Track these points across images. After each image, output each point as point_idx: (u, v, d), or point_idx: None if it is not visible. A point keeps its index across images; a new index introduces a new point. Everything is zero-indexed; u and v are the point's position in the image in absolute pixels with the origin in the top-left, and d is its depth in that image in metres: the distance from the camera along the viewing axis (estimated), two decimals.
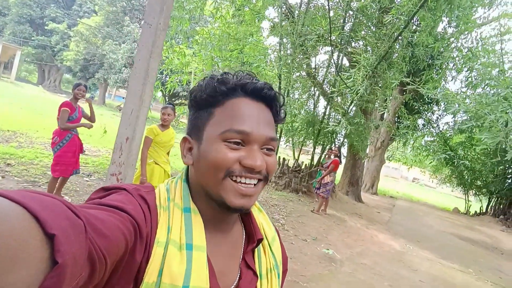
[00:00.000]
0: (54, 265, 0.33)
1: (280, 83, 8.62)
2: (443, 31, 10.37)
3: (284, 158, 10.37)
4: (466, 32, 9.58)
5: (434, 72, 9.54)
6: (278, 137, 10.31)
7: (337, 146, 9.77)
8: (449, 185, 19.39)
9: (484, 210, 17.35)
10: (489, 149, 14.29)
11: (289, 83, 8.70)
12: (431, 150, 16.51)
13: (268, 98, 0.63)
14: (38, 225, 0.33)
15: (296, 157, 11.11)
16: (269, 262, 0.70)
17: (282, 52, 8.50)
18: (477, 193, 17.76)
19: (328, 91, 10.24)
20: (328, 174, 7.72)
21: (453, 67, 10.33)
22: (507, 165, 15.49)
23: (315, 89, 10.47)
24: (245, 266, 0.66)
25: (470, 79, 9.85)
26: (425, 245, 7.45)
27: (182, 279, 0.54)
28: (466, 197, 18.22)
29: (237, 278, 0.65)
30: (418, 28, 8.29)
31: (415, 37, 7.91)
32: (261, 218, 0.74)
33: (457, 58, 9.79)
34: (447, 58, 9.13)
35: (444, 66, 9.71)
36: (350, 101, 8.55)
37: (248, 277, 0.66)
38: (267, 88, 0.62)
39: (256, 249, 0.69)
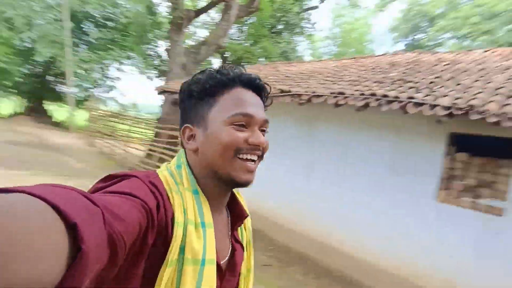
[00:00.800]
0: (78, 252, 0.35)
1: None
2: None
3: None
4: None
5: None
6: None
7: None
8: None
9: (18, 111, 17.32)
10: (16, 48, 13.91)
11: None
12: None
13: (259, 87, 0.74)
14: (59, 216, 0.35)
15: None
16: (248, 235, 0.83)
17: None
18: (7, 93, 17.09)
19: None
20: None
21: None
22: (35, 66, 15.99)
23: None
24: (235, 241, 0.76)
25: None
26: None
27: (201, 253, 0.61)
28: None
29: (229, 252, 0.74)
30: None
31: None
32: (240, 199, 0.82)
33: None
34: None
35: None
36: None
37: (240, 250, 0.77)
38: (258, 79, 0.74)
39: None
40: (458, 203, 3.46)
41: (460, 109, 2.86)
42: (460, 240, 3.43)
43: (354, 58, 7.06)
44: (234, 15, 9.43)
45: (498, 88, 3.27)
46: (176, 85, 7.17)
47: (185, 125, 0.73)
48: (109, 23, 15.36)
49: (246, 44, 16.40)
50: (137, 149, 9.44)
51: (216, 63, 18.43)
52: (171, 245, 0.58)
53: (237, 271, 0.75)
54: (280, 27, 16.95)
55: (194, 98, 0.72)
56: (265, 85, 0.76)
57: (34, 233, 0.31)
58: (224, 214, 0.77)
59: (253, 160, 0.70)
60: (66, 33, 12.59)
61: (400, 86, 3.73)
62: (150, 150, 8.61)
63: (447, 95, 3.19)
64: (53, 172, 6.76)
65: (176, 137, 7.86)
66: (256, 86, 0.74)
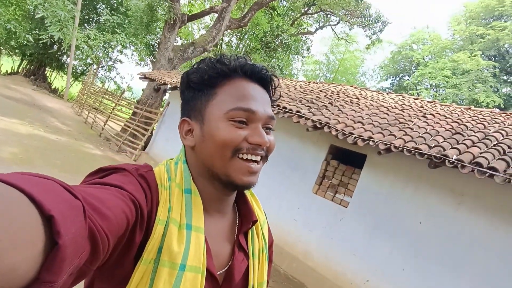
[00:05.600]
0: (54, 245, 0.33)
1: None
2: None
3: None
4: None
5: None
6: None
7: None
8: None
9: (15, 70, 18.36)
10: (28, 13, 15.01)
11: None
12: None
13: (265, 79, 0.67)
14: (36, 207, 0.33)
15: None
16: (261, 243, 0.73)
17: None
18: (10, 53, 18.17)
19: None
20: None
21: None
22: (41, 32, 17.00)
23: None
24: (238, 247, 0.68)
25: None
26: None
27: (180, 258, 0.55)
28: None
29: (231, 259, 0.66)
30: None
31: None
32: (253, 202, 0.75)
33: None
34: None
35: None
36: None
37: (239, 257, 0.67)
38: (264, 70, 0.67)
39: (249, 231, 0.71)
40: (324, 196, 4.75)
41: (320, 123, 4.17)
42: (319, 221, 4.70)
43: (318, 82, 8.39)
44: (225, 26, 10.78)
45: (365, 119, 4.60)
46: (156, 75, 8.42)
47: (183, 118, 0.67)
48: (121, 8, 16.52)
49: (239, 53, 17.70)
50: (116, 123, 10.61)
51: None
52: (148, 242, 0.55)
53: (234, 281, 0.65)
54: (276, 43, 18.35)
55: (192, 89, 0.66)
56: (273, 76, 0.69)
57: (6, 223, 0.29)
58: (229, 217, 0.71)
59: (255, 161, 0.63)
60: (77, 13, 13.77)
61: (302, 104, 5.04)
62: (125, 126, 9.78)
63: (322, 114, 4.51)
64: (38, 126, 7.89)
65: (149, 118, 9.06)
66: (261, 78, 0.67)
